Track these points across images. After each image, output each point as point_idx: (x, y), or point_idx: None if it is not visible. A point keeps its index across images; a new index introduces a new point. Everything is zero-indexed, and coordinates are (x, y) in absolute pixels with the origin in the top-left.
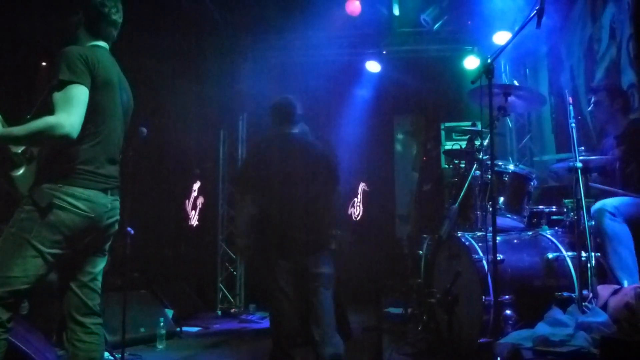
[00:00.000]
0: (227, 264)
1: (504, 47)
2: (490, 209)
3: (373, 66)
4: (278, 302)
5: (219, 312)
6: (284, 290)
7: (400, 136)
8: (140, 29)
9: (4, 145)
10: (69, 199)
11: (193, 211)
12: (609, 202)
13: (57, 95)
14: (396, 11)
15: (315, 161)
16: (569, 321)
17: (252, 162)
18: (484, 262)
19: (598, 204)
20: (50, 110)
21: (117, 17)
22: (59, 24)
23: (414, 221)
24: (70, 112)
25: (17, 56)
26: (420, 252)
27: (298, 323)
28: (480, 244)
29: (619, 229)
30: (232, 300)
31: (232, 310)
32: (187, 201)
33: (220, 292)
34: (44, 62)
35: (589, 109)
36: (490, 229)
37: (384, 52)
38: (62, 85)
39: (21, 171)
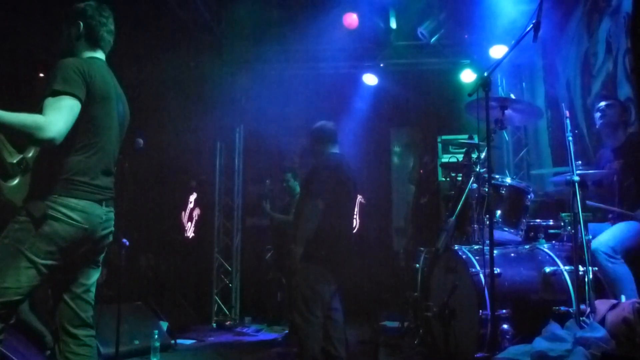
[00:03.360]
0: (222, 276)
1: (500, 61)
2: (488, 222)
3: (370, 79)
4: (313, 316)
5: (214, 325)
6: (325, 305)
7: (397, 149)
8: (137, 41)
9: None
10: (64, 210)
11: (189, 223)
12: (604, 242)
13: (49, 101)
14: (393, 24)
15: (355, 181)
16: (567, 336)
17: (327, 177)
18: (481, 275)
19: (594, 246)
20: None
21: (113, 26)
22: (58, 36)
23: (410, 234)
24: (59, 118)
25: (15, 68)
26: (417, 265)
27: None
28: (477, 258)
29: (619, 270)
30: (227, 312)
31: (228, 323)
32: (183, 213)
33: (216, 305)
34: (42, 73)
35: (600, 110)
36: (488, 242)
37: (381, 65)
38: (55, 94)
39: (15, 182)
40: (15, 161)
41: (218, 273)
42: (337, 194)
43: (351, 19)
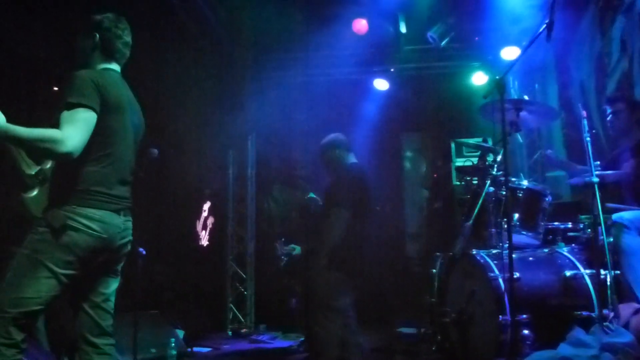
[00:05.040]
0: (237, 284)
1: (515, 62)
2: (505, 225)
3: (381, 84)
4: (332, 324)
5: (230, 333)
6: (345, 312)
7: (409, 154)
8: (149, 52)
9: (6, 140)
10: (82, 220)
11: (203, 231)
12: (625, 216)
13: (65, 115)
14: (403, 29)
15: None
16: (593, 342)
17: (352, 187)
18: (500, 280)
19: (615, 217)
20: (57, 128)
21: (129, 38)
22: (72, 48)
23: (424, 239)
24: (76, 132)
25: (29, 81)
26: (433, 270)
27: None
28: (495, 262)
29: (634, 242)
30: (242, 320)
31: (243, 331)
32: (197, 221)
33: (231, 312)
34: (56, 87)
35: (608, 119)
36: (506, 246)
37: (392, 70)
38: (71, 107)
39: (34, 193)
40: (33, 173)
41: (232, 281)
42: (361, 203)
43: (360, 25)
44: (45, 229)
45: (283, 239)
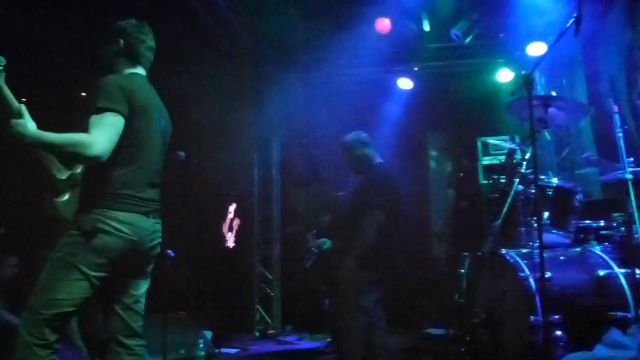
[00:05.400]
0: (263, 285)
1: (542, 58)
2: (535, 224)
3: (405, 83)
4: (357, 322)
5: (257, 334)
6: (370, 312)
7: (434, 153)
8: (173, 56)
9: (37, 147)
10: (113, 223)
11: (229, 233)
12: None
13: (94, 119)
14: (426, 27)
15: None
16: (631, 343)
17: (385, 188)
18: (531, 280)
19: None
20: (86, 132)
21: (153, 42)
22: (98, 54)
23: (451, 239)
24: (104, 136)
25: (56, 87)
26: (462, 270)
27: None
28: (525, 261)
29: None
30: (269, 321)
31: (270, 332)
32: (223, 223)
33: (258, 314)
34: (83, 92)
35: None
36: (536, 245)
37: (415, 69)
38: (99, 111)
39: (66, 197)
40: (64, 177)
41: (259, 282)
42: (392, 204)
43: (383, 24)
44: (77, 232)
45: (315, 231)
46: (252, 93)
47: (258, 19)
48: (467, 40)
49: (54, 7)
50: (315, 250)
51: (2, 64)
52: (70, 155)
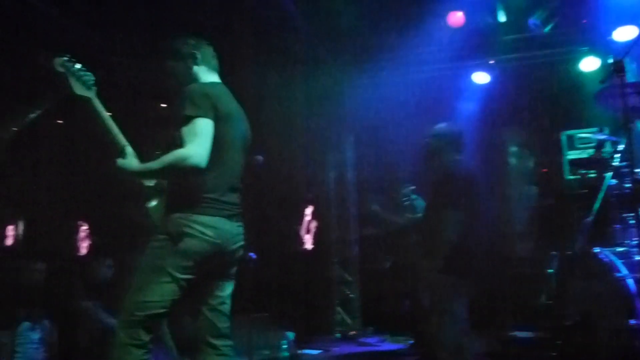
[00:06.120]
0: (342, 287)
1: (634, 42)
2: (632, 221)
3: (480, 77)
4: (449, 329)
5: (338, 335)
6: (460, 316)
7: (513, 149)
8: (247, 60)
9: (142, 179)
10: (198, 227)
11: (307, 235)
12: None
13: (185, 130)
14: (502, 18)
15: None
16: None
17: (465, 186)
18: (629, 280)
19: None
20: (179, 144)
21: (215, 51)
22: (174, 69)
23: (535, 238)
24: (198, 144)
25: (138, 100)
26: (550, 270)
27: None
28: (622, 261)
29: None
30: (349, 322)
31: (351, 333)
32: (300, 226)
33: (338, 315)
34: (163, 104)
35: None
36: (634, 242)
37: (491, 62)
38: (189, 120)
39: (154, 203)
40: (152, 184)
41: (338, 284)
42: (472, 203)
43: (456, 17)
44: (164, 237)
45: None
46: (325, 94)
47: (329, 20)
48: (547, 29)
49: (132, 22)
50: (407, 200)
51: (92, 79)
52: (172, 174)
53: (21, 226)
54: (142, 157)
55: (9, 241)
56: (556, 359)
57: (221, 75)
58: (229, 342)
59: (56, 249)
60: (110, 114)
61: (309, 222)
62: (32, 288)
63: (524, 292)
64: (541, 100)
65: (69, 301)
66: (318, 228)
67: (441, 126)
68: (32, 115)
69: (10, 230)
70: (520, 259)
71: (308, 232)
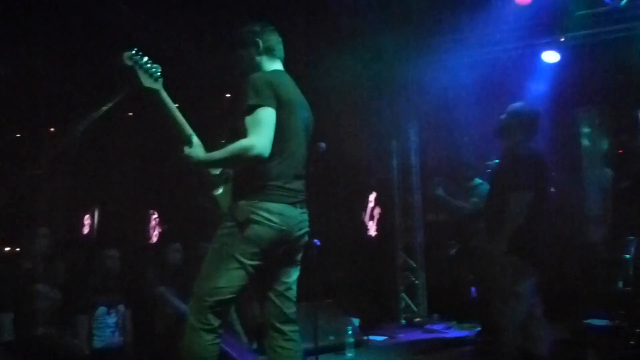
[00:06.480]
0: (408, 273)
1: None
2: None
3: (550, 56)
4: (512, 311)
5: (403, 322)
6: (526, 300)
7: (586, 130)
8: (308, 47)
9: (207, 168)
10: (264, 214)
11: (371, 222)
12: None
13: (248, 120)
14: None
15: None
16: None
17: (533, 168)
18: None
19: None
20: (243, 133)
21: (281, 37)
22: (240, 58)
23: (610, 223)
24: (260, 133)
25: (204, 91)
26: (627, 256)
27: None
28: None
29: None
30: (415, 309)
31: (416, 320)
32: (364, 212)
33: (403, 302)
34: (228, 94)
35: None
36: None
37: (562, 40)
38: (252, 109)
39: (220, 191)
40: (217, 173)
41: (403, 270)
42: (541, 185)
43: None
44: (232, 224)
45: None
46: (388, 79)
47: (392, 4)
48: (623, 2)
49: (197, 15)
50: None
51: (159, 71)
52: (236, 164)
53: (96, 215)
54: (208, 146)
55: (85, 229)
56: (635, 347)
57: (287, 61)
58: (296, 327)
59: (129, 236)
60: (176, 105)
61: (373, 208)
62: (107, 274)
63: (599, 278)
64: (616, 78)
65: (143, 287)
66: (382, 214)
67: (517, 104)
68: (105, 108)
69: (86, 219)
70: (593, 244)
71: (372, 218)
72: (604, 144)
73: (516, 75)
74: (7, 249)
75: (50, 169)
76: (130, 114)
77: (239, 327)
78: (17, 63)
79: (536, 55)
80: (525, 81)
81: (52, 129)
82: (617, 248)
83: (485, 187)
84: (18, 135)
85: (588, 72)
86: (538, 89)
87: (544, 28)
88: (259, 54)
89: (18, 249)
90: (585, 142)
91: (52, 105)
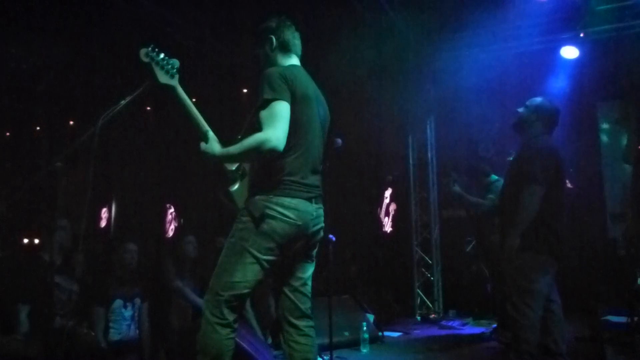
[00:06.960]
0: (423, 270)
1: None
2: None
3: (570, 52)
4: (531, 310)
5: (418, 318)
6: (543, 296)
7: (605, 126)
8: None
9: (223, 162)
10: (279, 209)
11: (386, 218)
12: None
13: (263, 114)
14: None
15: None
16: None
17: (546, 162)
18: None
19: None
20: (258, 128)
21: (297, 31)
22: (257, 53)
23: (631, 219)
24: (275, 127)
25: (222, 86)
26: None
27: None
28: None
29: None
30: (430, 305)
31: (432, 316)
32: (379, 208)
33: (419, 298)
34: (245, 89)
35: None
36: None
37: (581, 35)
38: (266, 103)
39: (236, 186)
40: (234, 168)
41: (418, 266)
42: (555, 180)
43: None
44: (247, 219)
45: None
46: (405, 75)
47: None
48: None
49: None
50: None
51: (176, 66)
52: (252, 158)
53: (114, 209)
54: (225, 141)
55: (103, 223)
56: None
57: (305, 56)
58: (311, 323)
59: (146, 230)
60: (194, 100)
61: (388, 204)
62: (125, 268)
63: (618, 274)
64: (635, 73)
65: (160, 281)
66: (397, 210)
67: (537, 99)
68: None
69: (104, 213)
70: (613, 241)
71: (387, 214)
72: (623, 140)
73: (536, 71)
74: (26, 240)
75: (70, 162)
76: (149, 108)
77: (254, 322)
78: (37, 57)
79: (556, 50)
80: (545, 77)
81: (71, 122)
82: (637, 245)
83: (502, 183)
84: (37, 128)
85: (607, 68)
86: (557, 84)
87: (565, 23)
88: (273, 50)
89: (37, 241)
90: (604, 138)
91: (73, 99)
